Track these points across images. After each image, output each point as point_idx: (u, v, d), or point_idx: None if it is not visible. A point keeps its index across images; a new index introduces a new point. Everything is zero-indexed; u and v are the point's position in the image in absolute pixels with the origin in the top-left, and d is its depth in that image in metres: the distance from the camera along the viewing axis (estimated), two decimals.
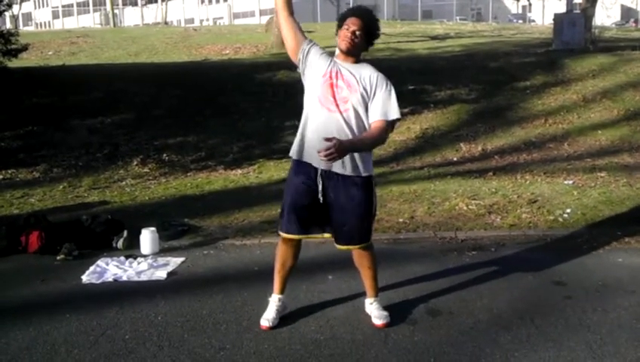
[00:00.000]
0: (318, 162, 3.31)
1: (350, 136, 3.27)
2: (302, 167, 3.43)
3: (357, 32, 3.31)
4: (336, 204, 3.39)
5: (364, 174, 3.39)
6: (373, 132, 3.31)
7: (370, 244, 3.58)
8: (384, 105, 3.33)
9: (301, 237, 3.55)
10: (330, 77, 3.34)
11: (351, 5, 52.07)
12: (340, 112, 3.30)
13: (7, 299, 4.23)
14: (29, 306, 4.06)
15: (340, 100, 3.31)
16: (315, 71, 3.40)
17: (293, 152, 3.46)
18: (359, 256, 3.59)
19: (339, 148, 3.04)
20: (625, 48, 14.29)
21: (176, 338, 3.52)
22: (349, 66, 3.37)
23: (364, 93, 3.32)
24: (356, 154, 3.33)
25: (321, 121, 3.32)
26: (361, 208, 3.41)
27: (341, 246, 3.52)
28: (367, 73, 3.36)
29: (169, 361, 3.27)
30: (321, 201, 3.37)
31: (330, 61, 3.40)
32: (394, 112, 3.34)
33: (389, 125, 3.37)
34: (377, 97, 3.33)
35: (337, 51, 3.43)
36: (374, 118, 3.32)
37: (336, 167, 3.33)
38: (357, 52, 3.39)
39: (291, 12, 3.48)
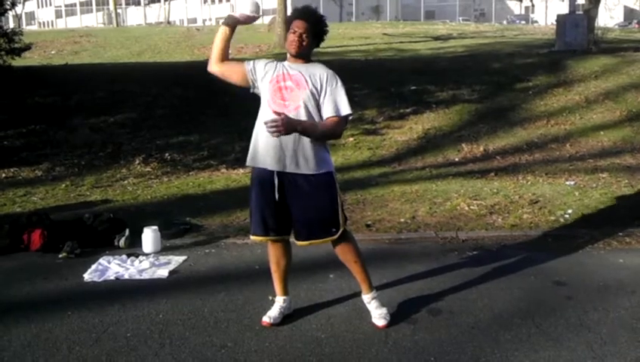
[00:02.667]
0: (271, 164, 3.37)
1: (302, 136, 3.32)
2: (258, 170, 3.49)
3: (303, 35, 3.34)
4: (294, 201, 3.44)
5: (318, 171, 3.40)
6: (326, 123, 3.37)
7: (347, 237, 3.56)
8: (335, 102, 3.37)
9: (267, 239, 3.59)
10: (278, 81, 3.39)
11: (353, 5, 51.66)
12: (297, 109, 3.34)
13: (9, 297, 4.24)
14: (31, 304, 4.08)
15: (290, 100, 3.35)
16: (264, 80, 3.45)
17: (247, 160, 3.51)
18: (341, 252, 3.58)
19: (285, 122, 3.13)
20: (627, 49, 14.29)
21: (178, 337, 3.53)
22: (299, 67, 3.41)
23: (314, 90, 3.35)
24: (308, 153, 3.36)
25: None
26: (318, 203, 3.42)
27: (302, 242, 3.52)
28: (318, 72, 3.40)
29: (170, 359, 3.28)
30: (277, 199, 3.42)
31: (277, 67, 3.44)
32: (345, 108, 3.38)
33: (343, 121, 3.41)
34: (328, 95, 3.36)
35: (289, 54, 3.47)
36: (327, 115, 3.37)
37: (290, 167, 3.37)
38: (306, 53, 3.42)
39: (224, 59, 3.53)
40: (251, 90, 3.54)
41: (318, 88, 3.35)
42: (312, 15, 3.39)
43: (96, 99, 11.21)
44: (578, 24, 14.48)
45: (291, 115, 3.28)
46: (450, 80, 11.90)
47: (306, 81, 3.35)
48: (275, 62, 3.48)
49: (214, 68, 3.56)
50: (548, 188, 6.62)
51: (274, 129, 3.12)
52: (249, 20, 3.46)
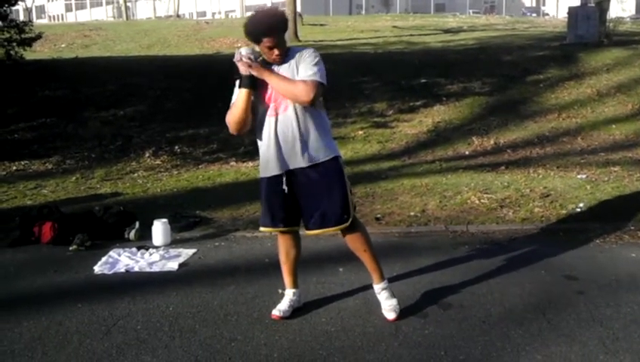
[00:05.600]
0: (281, 168, 3.39)
1: (305, 124, 3.33)
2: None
3: (279, 49, 3.31)
4: (303, 191, 3.43)
5: (324, 158, 3.40)
6: (293, 80, 3.31)
7: (356, 225, 3.54)
8: (304, 68, 3.32)
9: (275, 230, 3.60)
10: (267, 88, 3.37)
11: None
12: (289, 107, 3.33)
13: (20, 289, 4.27)
14: (42, 296, 4.10)
15: (280, 99, 3.34)
16: (259, 98, 3.42)
17: (260, 172, 3.53)
18: (351, 241, 3.56)
19: (256, 67, 3.28)
20: None
21: (188, 329, 3.53)
22: (282, 62, 3.38)
23: (295, 70, 3.34)
24: (312, 145, 3.36)
25: (273, 127, 3.37)
26: (327, 190, 3.41)
27: (313, 231, 3.49)
28: (294, 59, 3.37)
29: (180, 352, 3.28)
30: (286, 191, 3.42)
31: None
32: (312, 74, 3.29)
33: (311, 85, 3.27)
34: (300, 65, 3.34)
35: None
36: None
37: (297, 164, 3.38)
38: (285, 52, 3.38)
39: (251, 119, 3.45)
40: None
41: (297, 72, 3.34)
42: (272, 26, 3.29)
43: (106, 93, 11.25)
44: (590, 16, 14.35)
45: (285, 114, 3.33)
46: (461, 73, 11.84)
47: (288, 75, 3.33)
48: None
49: (247, 129, 3.49)
50: (559, 182, 6.57)
51: (243, 67, 3.27)
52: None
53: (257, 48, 3.38)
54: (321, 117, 3.44)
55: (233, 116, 3.42)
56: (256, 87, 3.38)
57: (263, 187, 3.54)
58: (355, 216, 3.52)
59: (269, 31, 3.28)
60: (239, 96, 3.38)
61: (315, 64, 3.32)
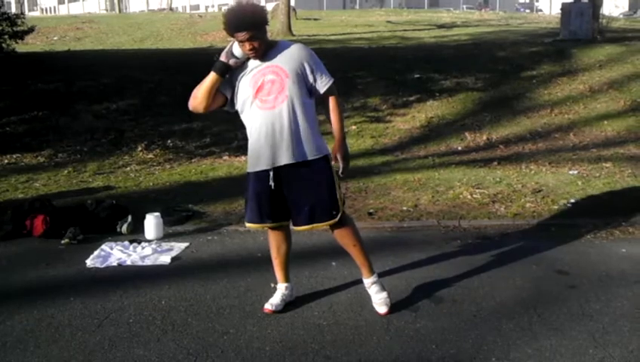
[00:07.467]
0: (270, 164, 3.40)
1: (298, 121, 3.35)
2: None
3: (253, 44, 3.29)
4: (292, 188, 3.44)
5: (313, 157, 3.41)
6: (335, 114, 3.50)
7: (345, 220, 3.55)
8: (323, 73, 3.43)
9: (262, 226, 3.61)
10: (257, 76, 3.37)
11: None
12: (284, 101, 3.34)
13: (12, 282, 4.26)
14: (34, 289, 4.09)
15: (275, 93, 3.34)
16: (243, 88, 3.42)
17: (248, 166, 3.54)
18: (340, 236, 3.56)
19: (344, 157, 3.48)
20: (632, 39, 14.22)
21: (180, 323, 3.54)
22: (269, 56, 3.38)
23: (297, 72, 3.35)
24: (303, 143, 3.37)
25: (265, 121, 3.37)
26: (316, 187, 3.43)
27: (302, 227, 3.50)
28: (289, 53, 3.39)
29: (173, 345, 3.28)
30: (272, 188, 3.42)
31: (250, 68, 3.40)
32: (328, 80, 3.44)
33: (334, 91, 3.48)
34: (315, 70, 3.39)
35: None
36: (324, 86, 3.43)
37: (286, 160, 3.38)
38: (265, 49, 3.37)
39: (209, 104, 3.47)
40: (227, 108, 3.55)
41: (300, 68, 3.35)
42: (245, 19, 3.27)
43: (99, 86, 11.21)
44: (583, 13, 14.39)
45: (279, 107, 3.33)
46: (454, 68, 11.86)
47: (285, 68, 3.35)
48: (245, 63, 3.42)
49: (200, 111, 3.50)
50: (551, 178, 6.61)
51: (345, 171, 3.48)
52: (239, 64, 3.39)
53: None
54: (312, 113, 3.45)
55: (195, 91, 3.47)
56: (225, 76, 3.41)
57: (250, 182, 3.53)
58: (344, 211, 3.53)
59: (242, 26, 3.27)
60: (208, 76, 3.42)
61: (317, 64, 3.42)
